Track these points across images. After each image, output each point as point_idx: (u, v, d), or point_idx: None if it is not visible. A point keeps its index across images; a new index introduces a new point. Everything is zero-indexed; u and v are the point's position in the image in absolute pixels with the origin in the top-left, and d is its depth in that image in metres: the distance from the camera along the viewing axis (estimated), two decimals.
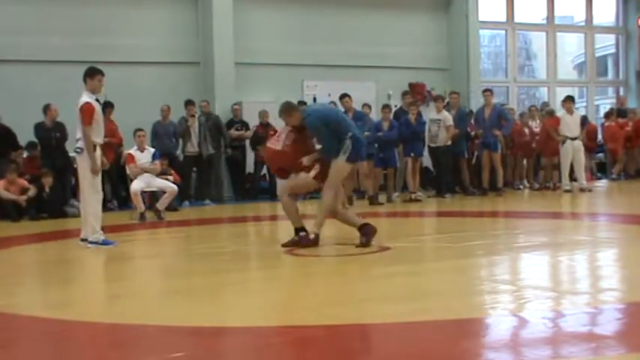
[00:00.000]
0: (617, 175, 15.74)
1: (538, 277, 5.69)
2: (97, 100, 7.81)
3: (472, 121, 13.53)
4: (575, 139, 13.01)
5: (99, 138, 7.71)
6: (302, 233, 7.19)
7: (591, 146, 15.36)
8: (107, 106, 12.36)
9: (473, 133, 13.33)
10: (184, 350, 3.76)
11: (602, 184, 15.34)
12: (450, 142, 12.74)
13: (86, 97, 7.64)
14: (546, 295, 4.86)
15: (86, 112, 7.53)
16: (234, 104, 13.95)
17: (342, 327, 4.12)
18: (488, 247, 7.31)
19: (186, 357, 3.66)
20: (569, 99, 13.43)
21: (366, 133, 12.33)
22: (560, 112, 13.58)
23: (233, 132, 13.80)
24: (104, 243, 7.61)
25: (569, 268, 6.09)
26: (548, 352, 3.55)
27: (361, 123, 12.05)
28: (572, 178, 13.24)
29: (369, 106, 13.55)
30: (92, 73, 7.77)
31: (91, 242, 7.61)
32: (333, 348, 3.76)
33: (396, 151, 12.70)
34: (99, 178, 7.76)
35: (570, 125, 13.01)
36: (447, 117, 12.73)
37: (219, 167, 13.53)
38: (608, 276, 5.66)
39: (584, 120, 13.54)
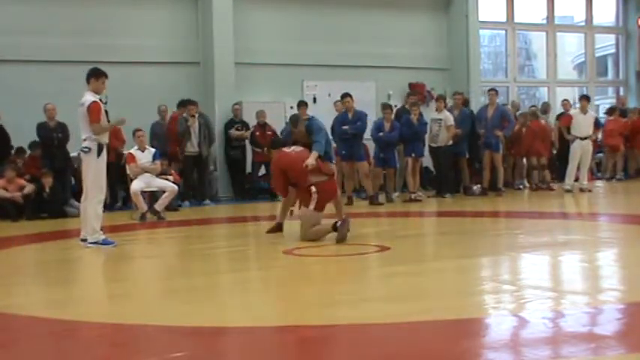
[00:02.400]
0: (618, 176, 15.69)
1: (538, 277, 5.69)
2: (100, 100, 7.81)
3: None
4: (584, 139, 13.01)
5: (105, 137, 7.74)
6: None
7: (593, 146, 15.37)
8: None
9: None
10: (184, 350, 3.76)
11: (602, 184, 15.33)
12: (450, 142, 12.72)
13: (92, 97, 7.65)
14: (546, 295, 4.86)
15: (94, 110, 7.55)
16: (235, 104, 13.94)
17: (343, 327, 4.12)
18: (488, 247, 7.33)
19: (186, 357, 3.66)
20: (585, 98, 13.44)
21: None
22: (573, 111, 13.65)
23: (233, 132, 13.80)
24: (104, 243, 7.61)
25: (569, 268, 6.10)
26: (548, 352, 3.55)
27: (360, 123, 12.09)
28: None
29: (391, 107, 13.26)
30: (98, 74, 7.79)
31: (90, 242, 7.61)
32: (333, 348, 3.76)
33: (395, 151, 12.68)
34: (104, 178, 7.77)
35: (582, 124, 13.00)
36: (448, 117, 12.72)
37: (208, 166, 13.50)
38: (608, 276, 5.67)
39: (597, 121, 13.56)
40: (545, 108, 15.67)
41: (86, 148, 7.61)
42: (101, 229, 7.72)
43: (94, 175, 7.64)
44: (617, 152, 15.76)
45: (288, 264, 6.70)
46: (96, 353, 3.85)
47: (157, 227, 9.93)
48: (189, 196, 12.96)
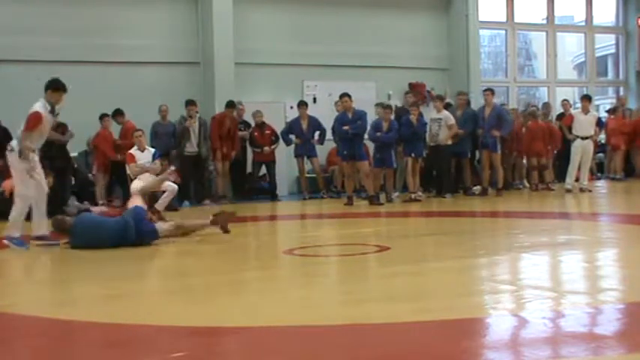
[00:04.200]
0: (618, 175, 15.69)
1: (538, 277, 5.69)
2: (52, 112, 7.88)
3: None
4: (586, 138, 13.02)
5: (37, 145, 7.87)
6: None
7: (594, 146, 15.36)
8: (117, 113, 12.56)
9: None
10: (184, 350, 3.76)
11: (602, 183, 15.33)
12: (450, 142, 12.69)
13: (40, 107, 7.73)
14: (546, 295, 4.86)
15: (32, 120, 7.65)
16: (239, 104, 13.94)
17: (343, 327, 4.12)
18: (488, 247, 7.33)
19: (186, 357, 3.66)
20: (586, 98, 13.48)
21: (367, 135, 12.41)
22: (574, 111, 13.70)
23: (239, 132, 13.80)
24: (16, 243, 7.63)
25: (569, 268, 6.10)
26: (548, 352, 3.55)
27: (361, 122, 12.09)
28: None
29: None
30: (56, 88, 7.88)
31: (5, 237, 7.69)
32: (333, 348, 3.76)
33: (393, 152, 12.66)
34: (31, 179, 7.88)
35: (583, 124, 13.03)
36: (448, 116, 12.70)
37: (208, 166, 13.50)
38: (608, 276, 5.66)
39: (599, 121, 13.58)
40: (546, 110, 15.62)
41: (10, 147, 7.78)
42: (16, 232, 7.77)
43: (18, 173, 7.79)
44: (618, 151, 15.76)
45: (288, 264, 6.70)
46: (96, 353, 3.85)
47: None
48: (189, 196, 12.98)
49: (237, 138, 13.31)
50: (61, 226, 7.79)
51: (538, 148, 13.93)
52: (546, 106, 15.94)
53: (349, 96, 12.11)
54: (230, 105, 13.19)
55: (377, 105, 13.36)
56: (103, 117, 12.40)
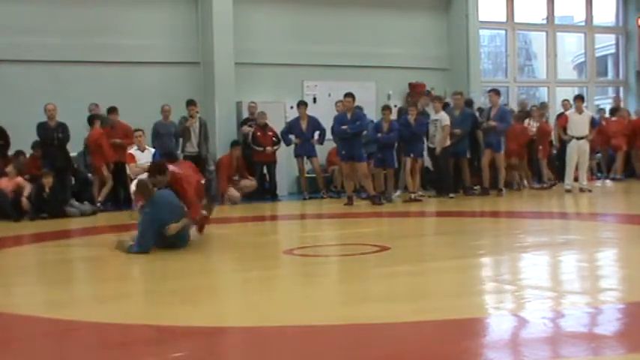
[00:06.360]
0: (618, 176, 15.68)
1: (538, 277, 5.69)
2: None
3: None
4: (581, 138, 13.02)
5: None
6: None
7: (592, 146, 15.32)
8: (112, 111, 12.49)
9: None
10: (184, 350, 3.76)
11: (602, 183, 15.33)
12: (448, 143, 12.66)
13: None
14: (546, 295, 4.87)
15: None
16: (251, 102, 13.93)
17: (343, 327, 4.12)
18: (488, 247, 7.33)
19: (186, 357, 3.66)
20: (579, 98, 13.48)
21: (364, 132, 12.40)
22: (569, 111, 13.69)
23: (246, 128, 13.81)
24: None
25: (569, 268, 6.10)
26: (548, 352, 3.55)
27: (360, 123, 12.09)
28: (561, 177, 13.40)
29: (361, 108, 13.41)
30: None
31: None
32: (333, 348, 3.76)
33: (394, 152, 12.65)
34: None
35: (577, 124, 13.03)
36: (443, 117, 12.69)
37: (208, 166, 13.49)
38: (608, 276, 5.67)
39: (593, 120, 13.56)
40: (543, 109, 15.57)
41: None
42: None
43: None
44: (619, 152, 15.75)
45: (288, 264, 6.70)
46: (96, 353, 3.85)
47: None
48: None
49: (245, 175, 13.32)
50: (143, 189, 7.72)
51: (519, 149, 13.90)
52: (543, 106, 15.94)
53: (353, 97, 12.08)
54: (235, 144, 13.11)
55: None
56: (92, 119, 12.20)
